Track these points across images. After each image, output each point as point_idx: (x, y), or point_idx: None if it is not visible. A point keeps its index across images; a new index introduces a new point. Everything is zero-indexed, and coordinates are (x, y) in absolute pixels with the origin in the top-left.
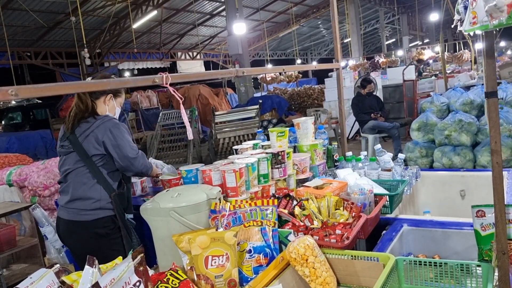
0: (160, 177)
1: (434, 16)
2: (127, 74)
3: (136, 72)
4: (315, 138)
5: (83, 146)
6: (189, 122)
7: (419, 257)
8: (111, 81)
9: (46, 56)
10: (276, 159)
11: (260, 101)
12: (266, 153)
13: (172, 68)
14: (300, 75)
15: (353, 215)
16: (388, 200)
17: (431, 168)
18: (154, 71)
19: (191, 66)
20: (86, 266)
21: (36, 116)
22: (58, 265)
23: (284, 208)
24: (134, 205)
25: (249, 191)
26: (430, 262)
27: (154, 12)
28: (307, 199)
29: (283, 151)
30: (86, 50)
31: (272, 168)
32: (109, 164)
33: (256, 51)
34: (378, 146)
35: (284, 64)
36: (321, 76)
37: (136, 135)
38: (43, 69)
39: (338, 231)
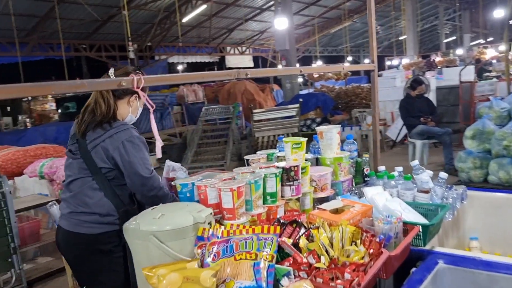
0: (172, 182)
1: (499, 13)
2: (179, 67)
3: (185, 66)
4: (342, 150)
5: (92, 156)
6: (231, 118)
7: None
8: (56, 83)
9: (100, 48)
10: (288, 175)
11: (301, 100)
12: (277, 167)
13: (221, 63)
14: (349, 73)
15: (370, 252)
16: (421, 231)
17: (485, 181)
18: (203, 65)
19: (240, 61)
20: None
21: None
22: None
23: (289, 237)
24: None
25: (251, 213)
26: None
27: (204, 6)
28: (318, 228)
29: (296, 166)
30: (130, 43)
31: (282, 186)
32: (119, 176)
33: (306, 47)
34: (415, 162)
35: (334, 61)
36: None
37: (180, 129)
38: (98, 61)
39: (347, 275)
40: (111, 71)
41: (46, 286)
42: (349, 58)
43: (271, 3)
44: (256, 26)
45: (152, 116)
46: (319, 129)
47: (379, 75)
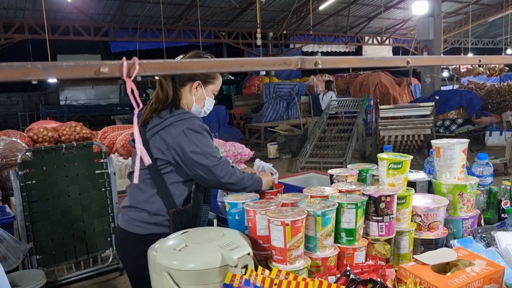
0: (224, 198)
1: None
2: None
3: (320, 55)
4: (467, 175)
5: (149, 145)
6: (358, 112)
7: None
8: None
9: (238, 36)
10: (376, 207)
11: (437, 97)
12: (363, 194)
13: (357, 53)
14: (506, 68)
15: None
16: None
17: None
18: (338, 55)
19: (377, 52)
20: None
21: (224, 92)
22: None
23: None
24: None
25: (314, 255)
26: None
27: None
28: None
29: (389, 196)
30: (258, 30)
31: (367, 220)
32: (176, 172)
33: (456, 38)
34: None
35: (489, 55)
36: None
37: (304, 120)
38: (236, 48)
39: None
40: (179, 57)
41: None
42: (509, 51)
43: None
44: (399, 14)
45: (135, 118)
46: (435, 143)
47: None
